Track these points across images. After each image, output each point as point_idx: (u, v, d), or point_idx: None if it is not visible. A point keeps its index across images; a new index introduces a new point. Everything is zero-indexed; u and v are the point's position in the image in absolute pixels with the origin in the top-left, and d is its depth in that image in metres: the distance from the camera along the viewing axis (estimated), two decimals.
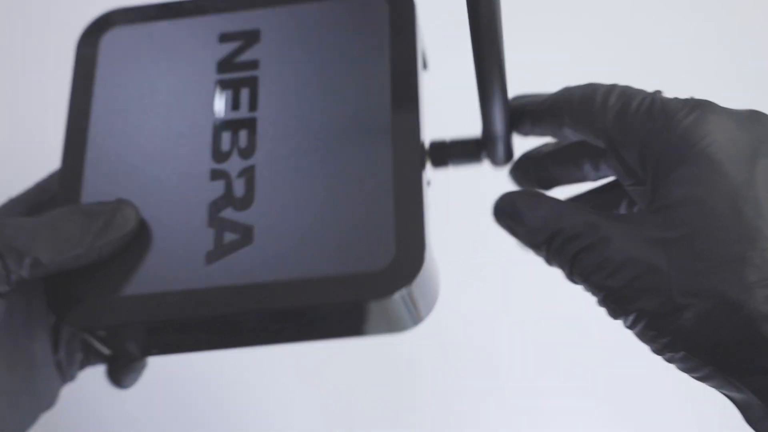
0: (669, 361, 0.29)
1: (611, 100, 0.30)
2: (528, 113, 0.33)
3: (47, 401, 0.36)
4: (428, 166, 0.37)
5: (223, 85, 0.38)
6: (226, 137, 0.37)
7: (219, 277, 0.34)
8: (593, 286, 0.29)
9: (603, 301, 0.29)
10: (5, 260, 0.31)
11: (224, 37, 0.39)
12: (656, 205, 0.28)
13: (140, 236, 0.35)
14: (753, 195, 0.26)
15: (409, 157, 0.35)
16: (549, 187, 0.37)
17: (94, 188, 0.37)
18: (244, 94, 0.38)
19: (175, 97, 0.38)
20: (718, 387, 0.28)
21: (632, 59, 0.55)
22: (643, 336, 0.28)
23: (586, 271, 0.28)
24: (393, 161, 0.35)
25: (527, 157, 0.37)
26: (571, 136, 0.32)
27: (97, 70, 0.39)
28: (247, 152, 0.37)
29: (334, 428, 0.54)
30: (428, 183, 0.37)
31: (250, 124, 0.37)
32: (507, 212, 0.32)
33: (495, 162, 0.37)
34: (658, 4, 0.55)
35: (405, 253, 0.33)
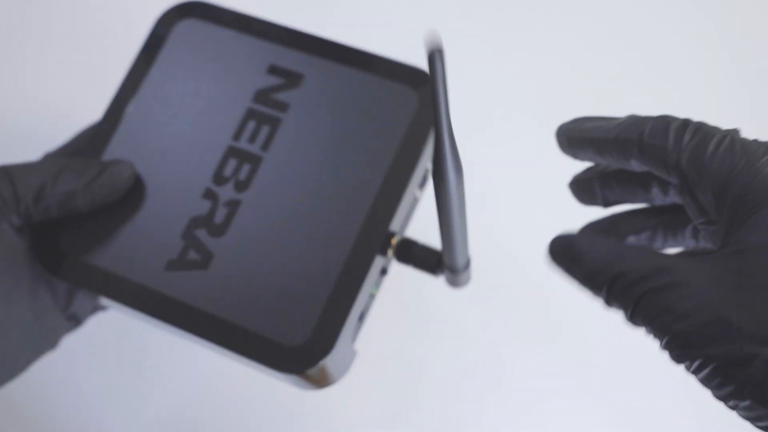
0: (732, 408, 0.27)
1: (686, 137, 0.29)
2: (593, 143, 0.31)
3: (50, 343, 0.39)
4: (392, 257, 0.39)
5: (252, 114, 0.40)
6: (231, 164, 0.39)
7: (168, 286, 0.37)
8: (658, 330, 0.27)
9: (667, 345, 0.28)
10: (16, 188, 0.34)
11: (273, 70, 0.41)
12: (731, 249, 0.26)
13: (125, 215, 0.38)
14: None
15: (369, 245, 0.37)
16: (610, 204, 0.35)
17: (114, 155, 0.39)
18: (264, 131, 0.40)
19: (208, 106, 0.40)
20: None
21: (632, 59, 0.55)
22: (707, 382, 0.27)
23: (650, 314, 0.27)
24: (353, 245, 0.37)
25: (592, 171, 0.35)
26: (638, 168, 0.31)
27: (161, 52, 0.41)
28: (242, 186, 0.39)
29: (334, 428, 0.54)
30: (384, 271, 0.39)
31: (255, 162, 0.39)
32: (564, 253, 0.30)
33: (449, 283, 0.40)
34: (658, 3, 0.55)
35: (316, 340, 0.36)
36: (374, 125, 0.39)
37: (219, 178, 0.39)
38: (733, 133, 0.29)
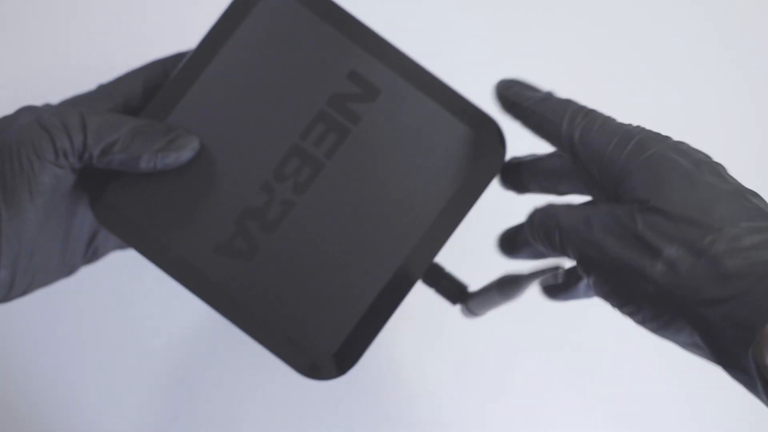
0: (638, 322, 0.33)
1: (578, 119, 0.35)
2: (522, 111, 0.38)
3: (68, 269, 0.41)
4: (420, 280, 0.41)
5: (323, 117, 0.40)
6: (294, 163, 0.39)
7: (212, 268, 0.38)
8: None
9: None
10: (86, 137, 0.36)
11: (353, 76, 0.40)
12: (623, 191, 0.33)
13: (182, 186, 0.39)
14: (702, 178, 0.32)
15: (411, 274, 0.39)
16: (523, 192, 0.42)
17: (179, 120, 0.39)
18: (331, 138, 0.40)
19: (283, 95, 0.40)
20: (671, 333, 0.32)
21: (632, 59, 0.55)
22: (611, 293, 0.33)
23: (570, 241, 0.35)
24: (397, 270, 0.39)
25: (518, 164, 0.41)
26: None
27: (245, 22, 0.40)
28: (300, 188, 0.39)
29: (334, 428, 0.54)
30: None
31: (317, 167, 0.39)
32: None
33: (464, 314, 0.42)
34: (658, 3, 0.55)
35: (341, 355, 0.38)
36: (438, 160, 0.39)
37: (279, 175, 0.39)
38: (610, 119, 0.35)
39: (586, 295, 0.41)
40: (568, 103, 0.36)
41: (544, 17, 0.55)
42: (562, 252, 0.35)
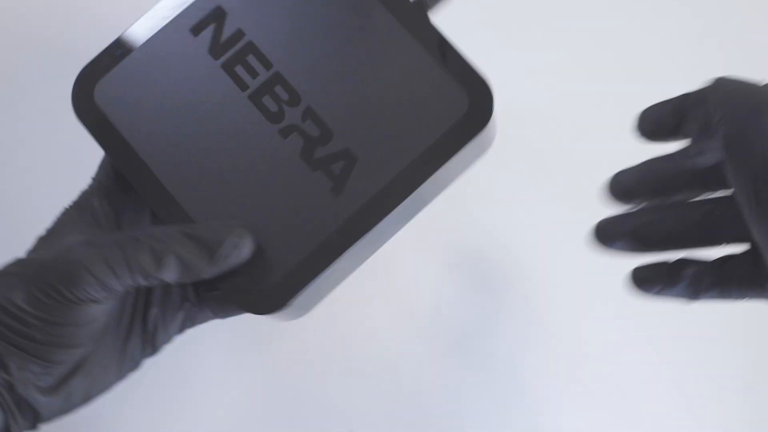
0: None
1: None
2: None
3: (134, 366, 0.40)
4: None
5: (228, 64, 0.39)
6: (267, 101, 0.39)
7: (351, 202, 0.38)
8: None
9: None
10: (135, 277, 0.35)
11: (196, 29, 0.40)
12: None
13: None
14: None
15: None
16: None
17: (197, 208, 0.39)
18: (252, 60, 0.39)
19: (202, 100, 0.40)
20: None
21: (631, 59, 0.55)
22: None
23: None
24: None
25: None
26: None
27: (114, 119, 0.40)
28: (293, 100, 0.39)
29: (334, 428, 0.54)
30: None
31: (278, 79, 0.39)
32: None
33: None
34: (658, 3, 0.55)
35: (475, 95, 0.38)
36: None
37: (274, 117, 0.39)
38: None
39: (684, 293, 0.38)
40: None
41: (542, 17, 0.55)
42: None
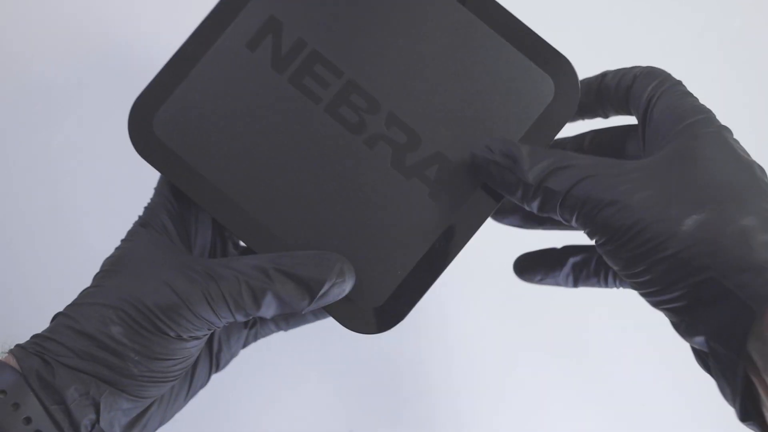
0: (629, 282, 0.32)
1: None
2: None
3: (204, 382, 0.40)
4: None
5: (296, 77, 0.37)
6: (345, 111, 0.37)
7: (452, 206, 0.37)
8: (587, 219, 0.32)
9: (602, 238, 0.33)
10: (236, 315, 0.33)
11: (252, 44, 0.37)
12: (660, 156, 0.33)
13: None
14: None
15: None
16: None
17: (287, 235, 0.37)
18: (320, 70, 0.37)
19: (274, 119, 0.37)
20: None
21: (631, 59, 0.55)
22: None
23: (581, 203, 0.32)
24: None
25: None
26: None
27: (180, 150, 0.37)
28: (373, 108, 0.37)
29: (334, 428, 0.54)
30: None
31: (352, 87, 0.37)
32: (504, 159, 0.35)
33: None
34: (659, 3, 0.55)
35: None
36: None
37: (357, 127, 0.37)
38: (689, 94, 0.35)
39: (566, 282, 0.40)
40: (659, 71, 0.36)
41: (542, 16, 0.55)
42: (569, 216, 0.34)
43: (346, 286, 0.35)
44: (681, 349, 0.54)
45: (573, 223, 0.33)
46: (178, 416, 0.54)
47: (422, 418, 0.54)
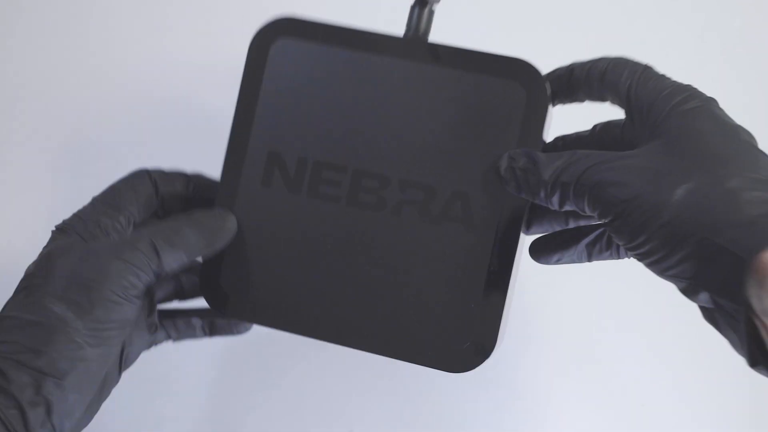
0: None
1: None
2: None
3: (131, 361, 0.42)
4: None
5: (312, 190, 0.41)
6: (363, 197, 0.41)
7: (488, 227, 0.40)
8: (597, 201, 0.36)
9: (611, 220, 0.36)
10: (162, 260, 0.38)
11: (265, 181, 0.42)
12: (655, 141, 0.36)
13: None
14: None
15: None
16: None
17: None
18: (328, 174, 0.41)
19: (310, 234, 0.42)
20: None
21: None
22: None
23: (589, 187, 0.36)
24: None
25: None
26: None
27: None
28: (384, 182, 0.41)
29: (334, 428, 0.54)
30: None
31: (359, 174, 0.41)
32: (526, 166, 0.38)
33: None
34: (659, 3, 0.55)
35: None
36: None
37: (378, 205, 0.41)
38: (664, 75, 0.38)
39: (580, 258, 0.42)
40: (626, 60, 0.39)
41: (543, 17, 0.55)
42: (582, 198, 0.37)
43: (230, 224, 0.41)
44: (681, 350, 0.54)
45: (586, 208, 0.36)
46: (179, 416, 0.54)
47: (422, 418, 0.54)
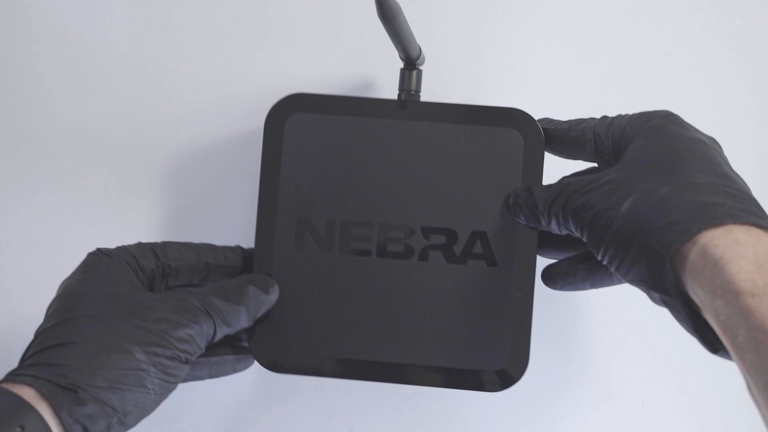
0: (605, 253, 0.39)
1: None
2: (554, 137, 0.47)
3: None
4: None
5: (344, 248, 0.46)
6: (392, 247, 0.46)
7: (508, 260, 0.46)
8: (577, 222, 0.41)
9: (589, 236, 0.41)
10: (217, 328, 0.41)
11: (298, 244, 0.46)
12: (616, 166, 0.41)
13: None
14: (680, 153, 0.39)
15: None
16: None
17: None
18: (356, 231, 0.46)
19: (346, 289, 0.46)
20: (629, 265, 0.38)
21: (633, 58, 0.55)
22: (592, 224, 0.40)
23: (572, 210, 0.41)
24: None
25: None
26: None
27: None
28: (408, 232, 0.46)
29: (334, 428, 0.54)
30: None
31: (385, 227, 0.46)
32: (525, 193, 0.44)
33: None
34: (659, 3, 0.55)
35: (521, 124, 0.45)
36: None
37: (405, 254, 0.45)
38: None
39: (582, 284, 0.46)
40: (585, 119, 0.45)
41: (544, 17, 0.55)
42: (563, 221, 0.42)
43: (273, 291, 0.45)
44: (681, 350, 0.54)
45: (574, 232, 0.41)
46: (180, 416, 0.54)
47: (422, 418, 0.54)
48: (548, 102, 0.53)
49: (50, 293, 0.40)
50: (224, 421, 0.54)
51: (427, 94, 0.47)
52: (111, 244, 0.43)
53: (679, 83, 0.54)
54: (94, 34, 0.55)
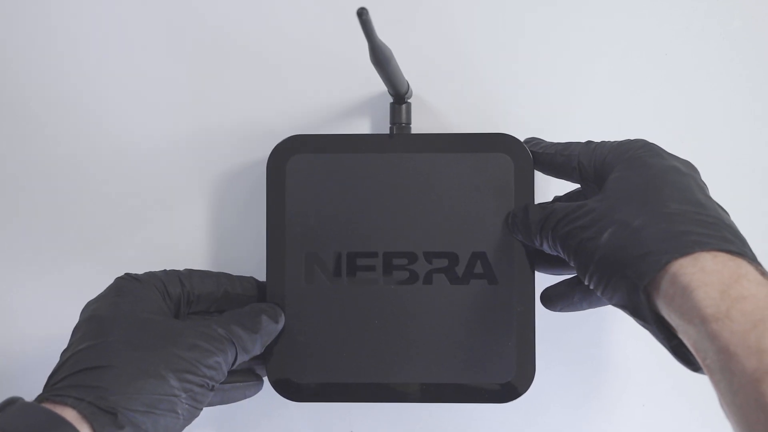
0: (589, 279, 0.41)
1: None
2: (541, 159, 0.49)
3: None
4: None
5: (351, 278, 0.48)
6: (397, 274, 0.48)
7: (509, 277, 0.48)
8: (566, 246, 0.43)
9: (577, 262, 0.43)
10: (238, 356, 0.43)
11: (308, 279, 0.49)
12: (599, 195, 0.43)
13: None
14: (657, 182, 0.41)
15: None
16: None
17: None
18: (362, 261, 0.48)
19: (356, 318, 0.48)
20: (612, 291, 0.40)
21: (633, 58, 0.55)
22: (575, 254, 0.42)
23: (561, 233, 0.43)
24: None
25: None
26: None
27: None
28: (412, 258, 0.48)
29: (334, 428, 0.54)
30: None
31: (389, 255, 0.48)
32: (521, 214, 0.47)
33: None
34: (661, 4, 0.55)
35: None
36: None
37: (410, 279, 0.48)
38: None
39: (580, 305, 0.47)
40: (571, 143, 0.47)
41: (545, 17, 0.55)
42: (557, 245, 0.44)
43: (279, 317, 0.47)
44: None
45: (563, 255, 0.43)
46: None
47: (422, 418, 0.54)
48: (550, 103, 0.53)
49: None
50: (225, 421, 0.54)
51: (417, 105, 0.49)
52: (109, 273, 0.44)
53: (679, 83, 0.54)
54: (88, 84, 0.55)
